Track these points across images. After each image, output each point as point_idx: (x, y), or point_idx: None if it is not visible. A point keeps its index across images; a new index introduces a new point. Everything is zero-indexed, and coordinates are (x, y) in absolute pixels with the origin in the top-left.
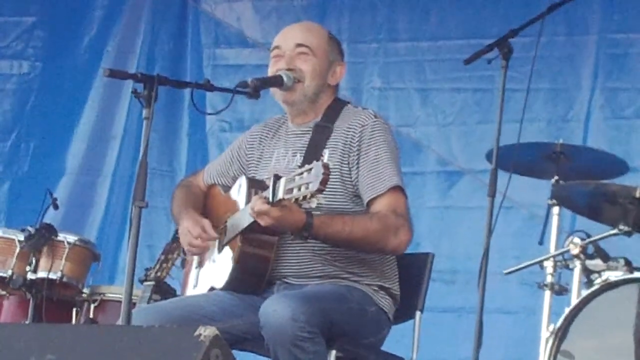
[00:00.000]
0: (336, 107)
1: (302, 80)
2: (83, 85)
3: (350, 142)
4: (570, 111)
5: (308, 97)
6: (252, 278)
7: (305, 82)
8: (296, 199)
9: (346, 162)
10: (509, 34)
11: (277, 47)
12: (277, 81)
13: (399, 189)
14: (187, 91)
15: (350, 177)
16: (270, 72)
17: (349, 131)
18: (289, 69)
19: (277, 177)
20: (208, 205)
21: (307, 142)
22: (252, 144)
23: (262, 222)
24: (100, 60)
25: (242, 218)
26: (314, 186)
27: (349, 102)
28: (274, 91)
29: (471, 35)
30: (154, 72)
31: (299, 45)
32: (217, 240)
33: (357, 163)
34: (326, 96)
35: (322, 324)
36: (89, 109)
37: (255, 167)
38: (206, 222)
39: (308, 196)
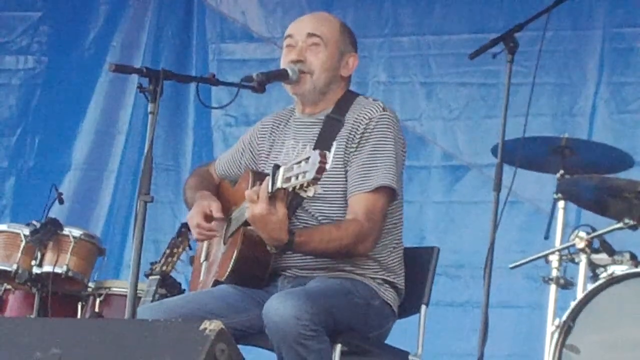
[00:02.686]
0: (348, 98)
1: (312, 73)
2: (88, 80)
3: (355, 132)
4: (575, 105)
5: (318, 89)
6: (254, 270)
7: (315, 75)
8: (294, 188)
9: (348, 153)
10: (515, 28)
11: (289, 36)
12: (282, 75)
13: (384, 189)
14: (192, 86)
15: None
16: (283, 62)
17: (355, 122)
18: (299, 60)
19: (276, 167)
20: (218, 198)
21: (317, 134)
22: (264, 135)
23: (251, 211)
24: (106, 55)
25: (245, 211)
26: (310, 175)
27: (359, 94)
28: (284, 84)
29: (476, 30)
30: (160, 66)
31: (310, 35)
32: (223, 233)
33: (353, 154)
34: (338, 87)
35: (326, 321)
36: (95, 103)
37: (266, 157)
38: (214, 205)
39: (305, 184)
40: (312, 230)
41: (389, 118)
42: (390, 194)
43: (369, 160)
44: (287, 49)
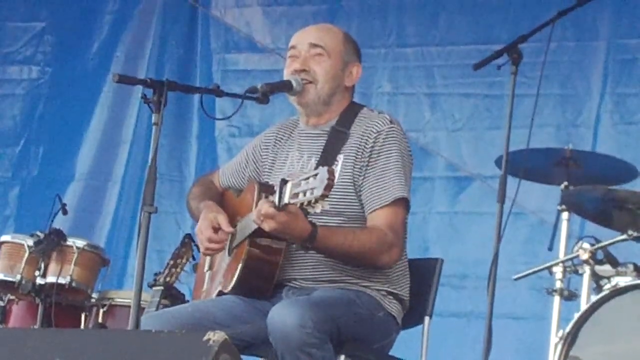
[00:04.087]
0: (352, 110)
1: (316, 82)
2: (92, 91)
3: (364, 147)
4: (579, 117)
5: (322, 99)
6: (259, 282)
7: (319, 84)
8: (301, 204)
9: (358, 167)
10: (519, 40)
11: (292, 47)
12: (286, 86)
13: (401, 201)
14: (196, 96)
15: (359, 182)
16: (286, 72)
17: (363, 136)
18: (302, 70)
19: (284, 182)
20: (222, 208)
21: (322, 145)
22: (267, 146)
23: (267, 226)
24: (110, 66)
25: (251, 222)
26: (318, 192)
27: (364, 106)
28: (288, 95)
29: (480, 41)
30: (164, 77)
31: (314, 45)
32: (227, 244)
33: (366, 168)
34: (342, 98)
35: (330, 330)
36: (98, 114)
37: (270, 169)
38: (221, 218)
39: (313, 201)
40: (334, 228)
41: (396, 130)
42: (406, 205)
43: (383, 175)
44: (290, 59)
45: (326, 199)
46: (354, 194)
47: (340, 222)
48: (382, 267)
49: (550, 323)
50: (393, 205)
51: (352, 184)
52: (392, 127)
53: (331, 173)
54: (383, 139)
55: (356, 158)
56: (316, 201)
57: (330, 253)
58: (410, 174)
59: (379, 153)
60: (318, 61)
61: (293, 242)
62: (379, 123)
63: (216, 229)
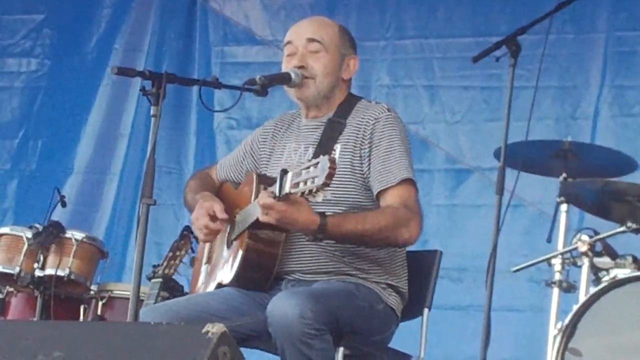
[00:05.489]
0: (350, 102)
1: (314, 78)
2: (91, 83)
3: (363, 134)
4: (578, 109)
5: (322, 94)
6: (258, 274)
7: (317, 80)
8: (302, 193)
9: (358, 155)
10: (518, 32)
11: (289, 43)
12: (285, 79)
13: (409, 181)
14: (195, 89)
15: (362, 170)
16: (284, 68)
17: (361, 124)
18: (300, 67)
19: (284, 172)
20: (220, 200)
21: (319, 137)
22: (265, 138)
23: (268, 217)
24: (109, 58)
25: (250, 213)
26: (319, 180)
27: (362, 98)
28: (287, 88)
29: (479, 33)
30: (162, 69)
31: (310, 40)
32: (226, 236)
33: (369, 155)
34: (340, 91)
35: (329, 322)
36: (97, 106)
37: (267, 161)
38: (217, 206)
39: (314, 190)
40: (343, 213)
41: (394, 117)
42: (414, 185)
43: (387, 157)
44: (287, 56)
45: (327, 187)
46: (352, 183)
47: (339, 211)
48: (404, 244)
49: (549, 315)
50: (402, 184)
51: (351, 173)
52: (390, 115)
53: (332, 162)
54: (382, 125)
55: (354, 146)
56: (317, 190)
57: (345, 240)
58: (411, 159)
59: (380, 139)
60: (316, 57)
61: (304, 234)
62: (376, 111)
63: (213, 218)
